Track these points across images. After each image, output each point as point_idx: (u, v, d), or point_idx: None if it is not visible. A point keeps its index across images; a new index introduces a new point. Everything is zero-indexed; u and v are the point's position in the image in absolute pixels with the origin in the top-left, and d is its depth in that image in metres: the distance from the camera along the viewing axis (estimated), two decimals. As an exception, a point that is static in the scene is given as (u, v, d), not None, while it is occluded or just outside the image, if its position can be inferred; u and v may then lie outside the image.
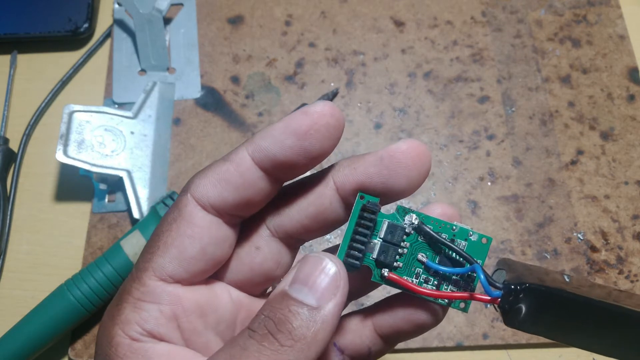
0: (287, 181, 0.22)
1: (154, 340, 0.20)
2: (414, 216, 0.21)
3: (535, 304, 0.20)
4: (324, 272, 0.20)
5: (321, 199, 0.22)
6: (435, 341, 0.36)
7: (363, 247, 0.21)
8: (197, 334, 0.21)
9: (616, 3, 0.45)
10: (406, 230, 0.21)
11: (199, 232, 0.20)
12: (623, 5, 0.45)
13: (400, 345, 0.36)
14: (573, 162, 0.41)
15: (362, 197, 0.21)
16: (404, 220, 0.21)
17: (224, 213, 0.21)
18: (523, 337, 0.36)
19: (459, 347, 0.36)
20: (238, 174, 0.20)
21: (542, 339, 0.36)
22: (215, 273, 0.22)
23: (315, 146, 0.21)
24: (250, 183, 0.20)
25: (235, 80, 0.45)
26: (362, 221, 0.21)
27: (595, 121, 0.42)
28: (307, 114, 0.20)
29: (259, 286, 0.23)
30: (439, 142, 0.42)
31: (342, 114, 0.21)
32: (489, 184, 0.40)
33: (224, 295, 0.22)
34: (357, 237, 0.21)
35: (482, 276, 0.20)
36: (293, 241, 0.23)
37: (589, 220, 0.39)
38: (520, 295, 0.20)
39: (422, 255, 0.21)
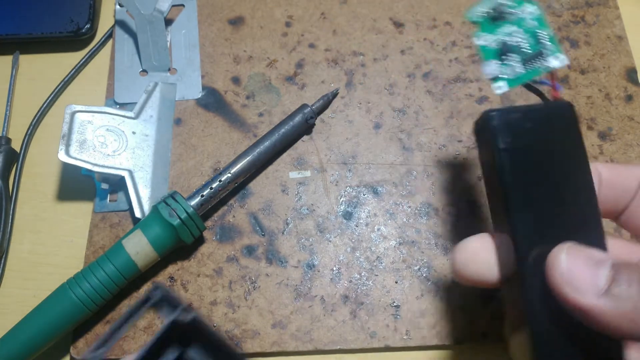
0: None
1: None
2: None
3: None
4: None
5: None
6: (435, 339, 0.36)
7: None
8: None
9: (614, 4, 0.46)
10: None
11: None
12: (621, 6, 0.46)
13: (397, 343, 0.36)
14: (571, 162, 0.41)
15: None
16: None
17: None
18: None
19: (458, 345, 0.37)
20: None
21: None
22: None
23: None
24: None
25: (236, 80, 0.45)
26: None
27: (593, 121, 0.42)
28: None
29: None
30: (438, 142, 0.42)
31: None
32: (488, 183, 0.41)
33: None
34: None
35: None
36: None
37: None
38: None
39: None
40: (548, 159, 0.23)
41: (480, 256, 0.23)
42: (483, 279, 0.24)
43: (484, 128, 0.24)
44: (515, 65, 0.25)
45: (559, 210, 0.23)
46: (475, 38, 0.26)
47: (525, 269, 0.22)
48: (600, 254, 0.21)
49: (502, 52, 0.25)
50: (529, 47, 0.25)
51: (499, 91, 0.25)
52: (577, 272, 0.20)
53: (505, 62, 0.25)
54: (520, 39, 0.25)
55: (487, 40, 0.26)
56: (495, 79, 0.25)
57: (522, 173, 0.23)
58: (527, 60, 0.25)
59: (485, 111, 0.24)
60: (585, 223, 0.23)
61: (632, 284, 0.19)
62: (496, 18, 0.26)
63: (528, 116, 0.24)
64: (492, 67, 0.25)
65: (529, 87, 0.27)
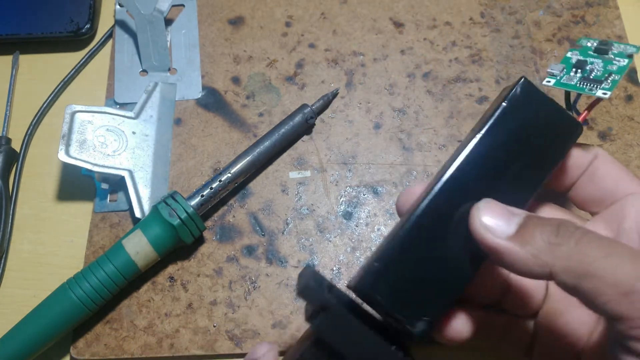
0: None
1: None
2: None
3: None
4: None
5: None
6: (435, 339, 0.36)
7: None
8: None
9: (614, 4, 0.46)
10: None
11: None
12: (621, 6, 0.46)
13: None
14: (571, 162, 0.41)
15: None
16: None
17: None
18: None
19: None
20: None
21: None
22: None
23: None
24: None
25: (236, 80, 0.45)
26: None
27: (593, 121, 0.42)
28: None
29: None
30: (438, 142, 0.42)
31: None
32: (488, 183, 0.41)
33: None
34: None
35: None
36: None
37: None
38: None
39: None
40: (529, 140, 0.26)
41: (414, 198, 0.27)
42: None
43: (510, 86, 0.27)
44: (573, 77, 0.29)
45: (503, 181, 0.26)
46: (570, 51, 0.30)
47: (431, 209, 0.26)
48: (516, 209, 0.24)
49: (575, 66, 0.30)
50: (595, 76, 0.29)
51: (546, 83, 0.29)
52: (493, 219, 0.24)
53: (569, 72, 0.30)
54: (596, 69, 0.29)
55: (574, 56, 0.30)
56: (551, 75, 0.30)
57: (501, 134, 0.26)
58: (584, 79, 0.29)
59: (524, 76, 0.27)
60: (514, 199, 0.26)
61: (535, 230, 0.23)
62: (596, 51, 0.30)
63: (546, 104, 0.26)
64: (557, 68, 0.30)
65: (567, 97, 0.30)
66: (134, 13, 0.44)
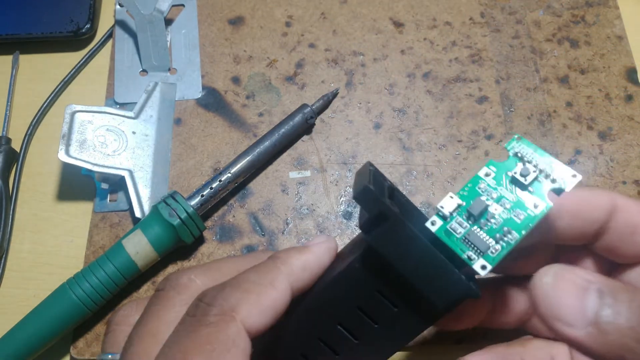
0: None
1: None
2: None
3: None
4: None
5: None
6: (435, 339, 0.36)
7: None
8: None
9: (614, 4, 0.46)
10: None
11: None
12: (621, 6, 0.46)
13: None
14: (571, 162, 0.41)
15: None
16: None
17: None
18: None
19: (458, 345, 0.37)
20: (283, 303, 0.21)
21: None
22: None
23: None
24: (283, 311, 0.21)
25: (235, 80, 0.45)
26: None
27: (593, 121, 0.42)
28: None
29: None
30: (438, 142, 0.42)
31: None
32: (488, 183, 0.41)
33: None
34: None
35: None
36: None
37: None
38: None
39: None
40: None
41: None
42: None
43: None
44: (460, 225, 0.20)
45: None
46: (487, 165, 0.21)
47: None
48: (585, 274, 0.19)
49: (471, 213, 0.20)
50: (488, 229, 0.20)
51: (429, 225, 0.21)
52: (565, 302, 0.19)
53: (456, 218, 0.21)
54: (496, 217, 0.19)
55: (487, 179, 0.20)
56: (439, 214, 0.21)
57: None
58: (468, 238, 0.20)
59: None
60: None
61: (619, 314, 0.18)
62: (513, 181, 0.20)
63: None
64: (451, 205, 0.20)
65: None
66: (134, 13, 0.44)
